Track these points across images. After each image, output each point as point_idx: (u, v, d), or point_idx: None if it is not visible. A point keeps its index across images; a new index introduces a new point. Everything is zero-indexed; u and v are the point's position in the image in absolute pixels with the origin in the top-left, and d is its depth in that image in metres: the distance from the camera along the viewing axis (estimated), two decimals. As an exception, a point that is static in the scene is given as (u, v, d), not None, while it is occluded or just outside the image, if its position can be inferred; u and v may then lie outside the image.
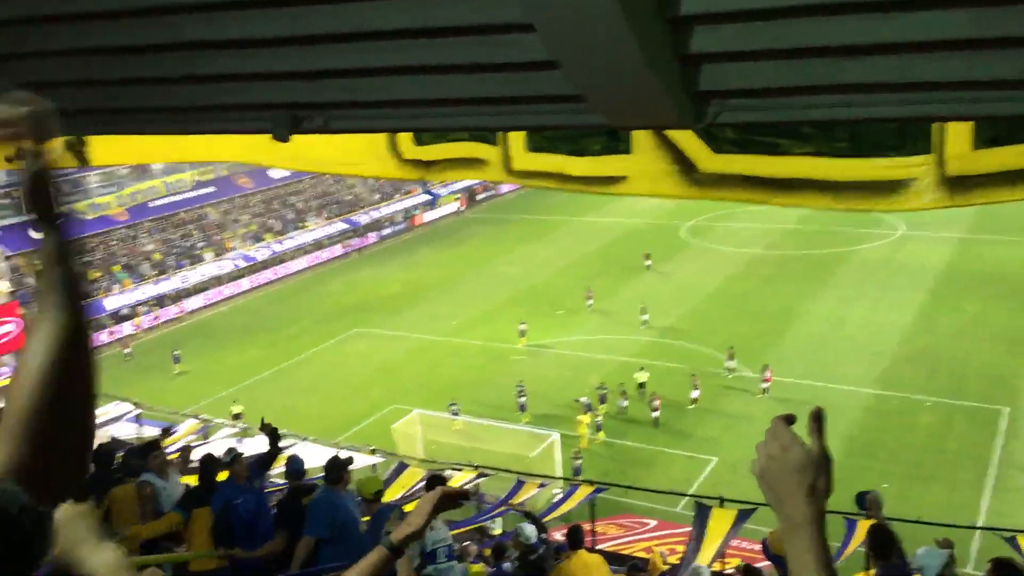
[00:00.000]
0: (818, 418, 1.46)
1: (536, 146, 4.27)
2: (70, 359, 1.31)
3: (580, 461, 27.41)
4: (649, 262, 47.96)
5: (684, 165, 3.82)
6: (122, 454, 9.93)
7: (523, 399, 31.66)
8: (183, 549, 7.91)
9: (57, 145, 1.40)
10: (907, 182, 3.35)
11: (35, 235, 1.38)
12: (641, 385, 32.70)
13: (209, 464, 8.46)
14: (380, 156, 4.83)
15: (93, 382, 1.38)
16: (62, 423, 1.31)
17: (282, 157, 5.14)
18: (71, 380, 1.32)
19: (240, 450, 10.46)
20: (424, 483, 17.24)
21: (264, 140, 5.02)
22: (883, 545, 6.60)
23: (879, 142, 3.38)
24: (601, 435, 29.88)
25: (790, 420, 1.50)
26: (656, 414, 30.38)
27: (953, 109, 2.55)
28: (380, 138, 4.86)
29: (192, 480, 9.21)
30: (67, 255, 1.37)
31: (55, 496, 1.29)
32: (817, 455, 1.44)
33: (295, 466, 8.25)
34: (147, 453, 8.62)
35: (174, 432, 19.25)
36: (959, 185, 3.27)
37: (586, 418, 29.80)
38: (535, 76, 2.76)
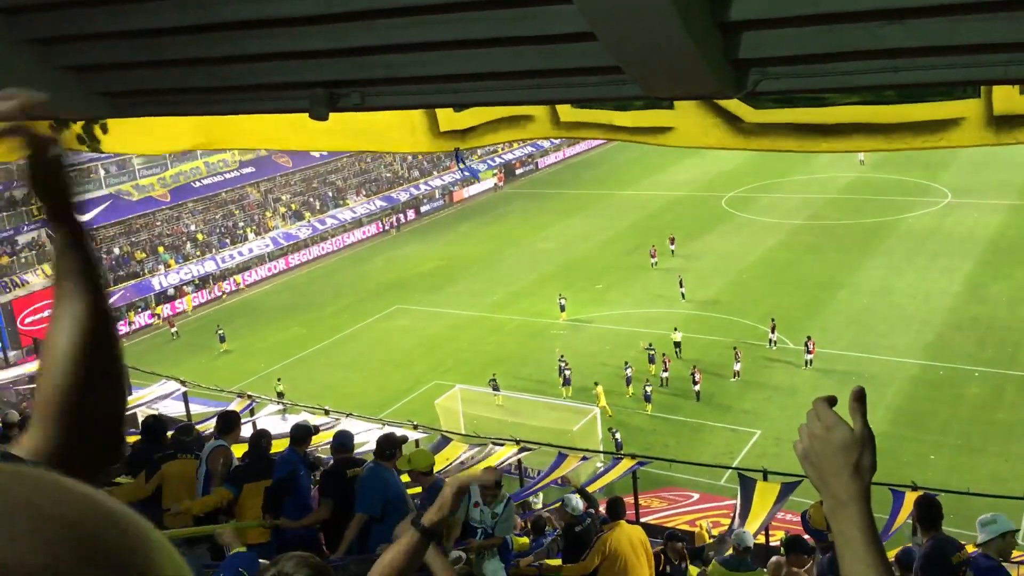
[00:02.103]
0: (860, 398, 1.47)
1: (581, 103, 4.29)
2: (94, 340, 1.34)
3: (619, 435, 27.48)
4: (673, 247, 45.69)
5: (728, 118, 3.80)
6: (173, 431, 10.10)
7: (567, 372, 31.73)
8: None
9: (61, 134, 1.40)
10: (955, 121, 3.38)
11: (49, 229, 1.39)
12: (677, 344, 33.52)
13: (260, 439, 8.54)
14: (414, 129, 4.83)
15: (119, 361, 1.41)
16: (92, 403, 1.34)
17: (308, 137, 5.14)
18: (97, 360, 1.35)
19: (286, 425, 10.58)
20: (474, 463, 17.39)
21: (288, 122, 5.05)
22: (931, 516, 6.54)
23: (926, 90, 3.39)
24: (649, 407, 29.89)
25: (832, 401, 1.51)
26: (697, 387, 30.30)
27: (1003, 72, 2.48)
28: (414, 113, 4.85)
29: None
30: (82, 241, 1.39)
31: (89, 475, 1.32)
32: (861, 433, 1.45)
33: (343, 440, 8.29)
34: (226, 430, 8.64)
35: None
36: (1005, 123, 3.31)
37: (602, 390, 30.13)
38: (572, 48, 2.74)
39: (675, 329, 34.33)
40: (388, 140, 5.03)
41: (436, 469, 13.93)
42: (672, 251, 45.73)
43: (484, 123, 4.63)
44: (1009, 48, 2.37)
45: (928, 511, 6.61)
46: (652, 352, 32.47)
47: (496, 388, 31.11)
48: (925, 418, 27.35)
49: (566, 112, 4.34)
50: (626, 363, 31.65)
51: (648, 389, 30.06)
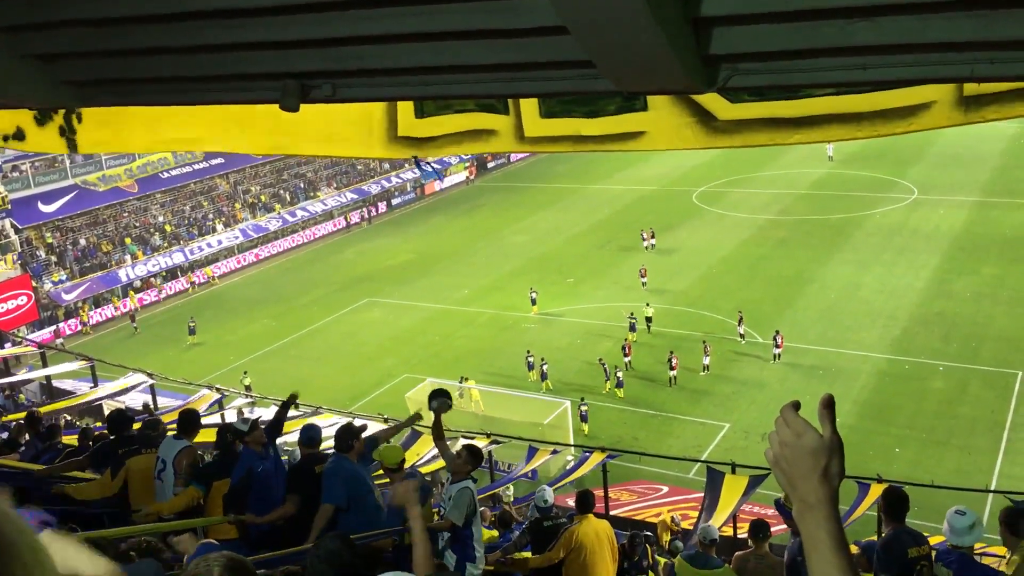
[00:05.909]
0: (829, 404, 1.52)
1: (549, 111, 4.23)
2: None
3: (586, 408, 28.26)
4: (652, 241, 45.66)
5: (703, 116, 3.81)
6: (138, 424, 9.99)
7: (545, 366, 31.76)
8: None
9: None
10: (926, 105, 3.45)
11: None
12: (648, 320, 35.35)
13: (227, 435, 8.46)
14: (371, 131, 4.75)
15: None
16: None
17: (257, 142, 5.07)
18: None
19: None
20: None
21: (240, 124, 4.98)
22: (896, 508, 6.63)
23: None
24: (620, 392, 30.28)
25: (797, 406, 1.56)
26: (674, 372, 30.75)
27: (970, 70, 2.52)
28: (376, 113, 4.76)
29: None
30: None
31: None
32: (830, 439, 1.50)
33: (310, 434, 8.24)
34: (189, 430, 8.58)
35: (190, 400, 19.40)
36: (974, 103, 3.40)
37: (473, 382, 30.81)
38: (544, 41, 2.73)
39: (647, 304, 35.97)
40: (342, 141, 4.92)
41: (408, 463, 13.92)
42: (651, 245, 45.84)
43: (446, 135, 4.56)
44: (976, 47, 2.40)
45: (893, 503, 6.70)
46: (634, 320, 34.39)
47: (461, 395, 30.74)
48: (891, 412, 27.73)
49: (531, 125, 4.29)
50: (600, 359, 31.79)
51: (620, 375, 30.51)
